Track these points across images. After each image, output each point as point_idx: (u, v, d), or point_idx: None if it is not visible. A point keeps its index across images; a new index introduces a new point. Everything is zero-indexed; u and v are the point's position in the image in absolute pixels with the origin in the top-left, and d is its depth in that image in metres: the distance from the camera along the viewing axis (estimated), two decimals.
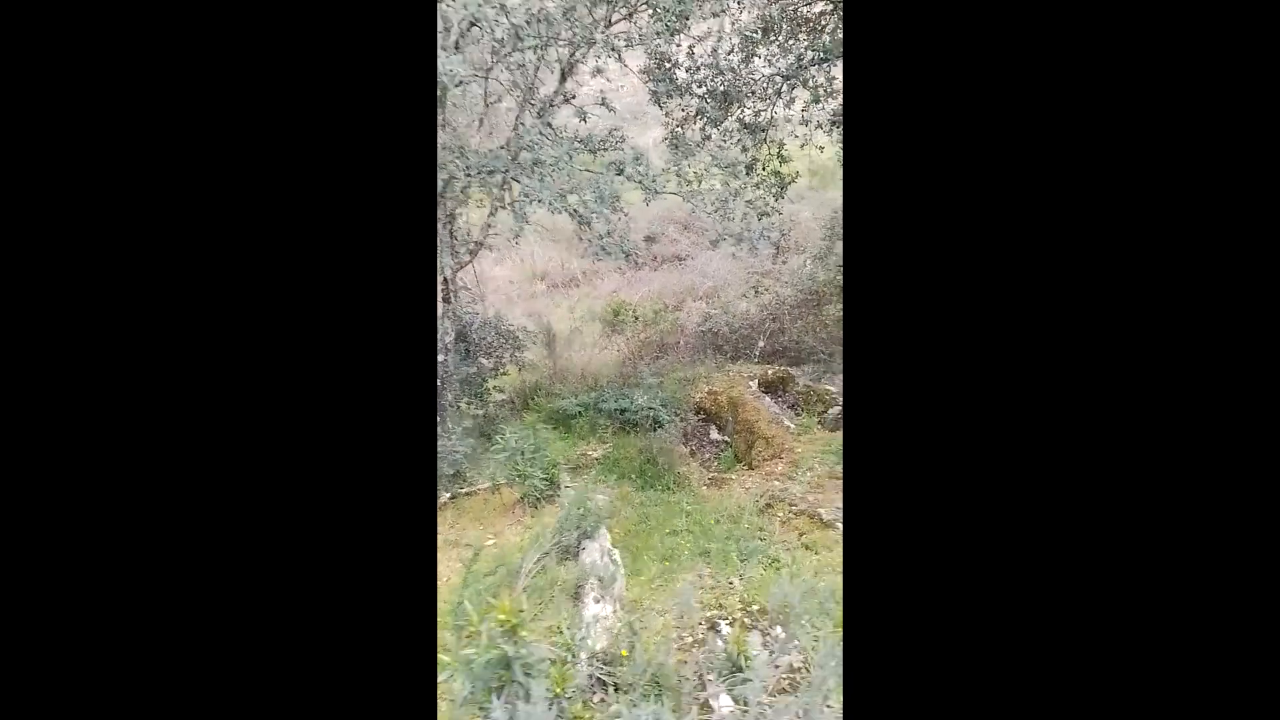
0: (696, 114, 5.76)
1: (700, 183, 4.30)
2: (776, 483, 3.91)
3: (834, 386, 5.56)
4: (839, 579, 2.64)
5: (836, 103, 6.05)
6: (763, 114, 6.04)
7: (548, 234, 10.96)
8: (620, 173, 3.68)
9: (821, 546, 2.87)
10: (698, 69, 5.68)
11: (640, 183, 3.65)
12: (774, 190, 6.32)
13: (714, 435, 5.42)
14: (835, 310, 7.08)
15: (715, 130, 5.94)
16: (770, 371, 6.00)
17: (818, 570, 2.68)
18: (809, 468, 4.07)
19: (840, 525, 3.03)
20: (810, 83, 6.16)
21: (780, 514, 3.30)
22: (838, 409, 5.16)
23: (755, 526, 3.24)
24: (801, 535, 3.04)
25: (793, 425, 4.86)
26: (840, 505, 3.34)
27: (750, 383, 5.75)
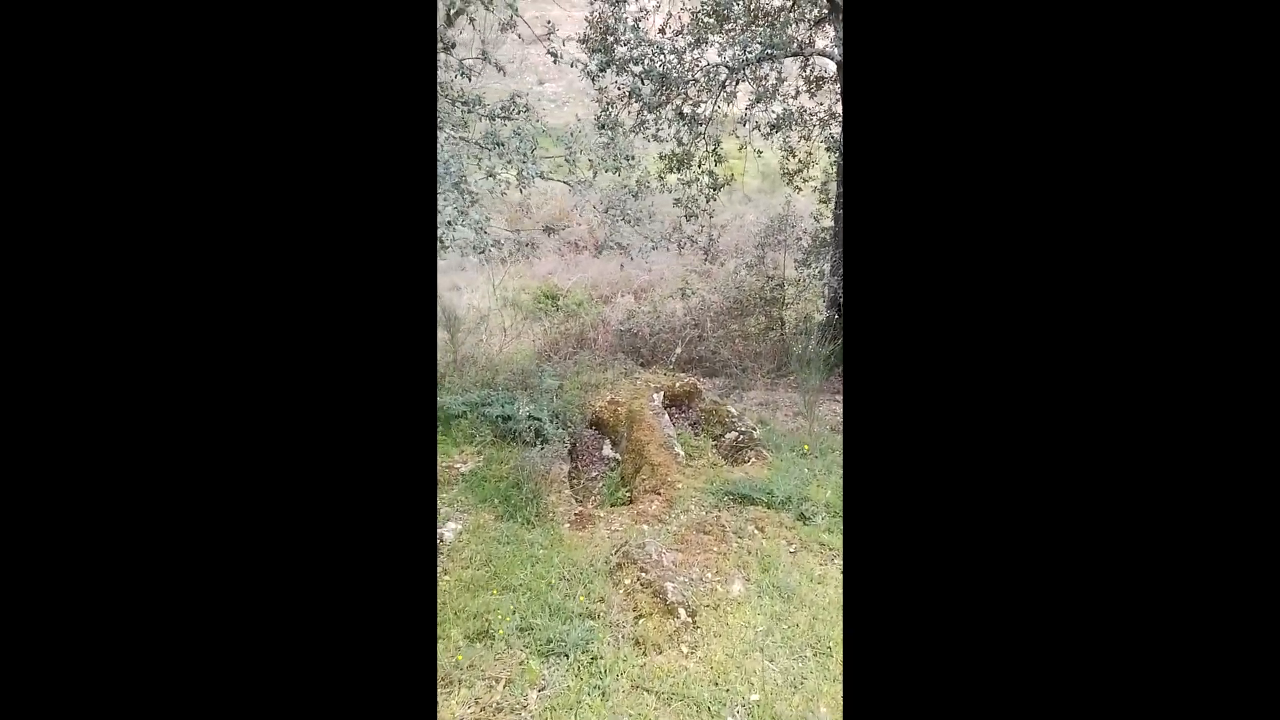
0: (630, 94, 4.94)
1: (597, 173, 3.53)
2: (645, 527, 3.33)
3: (735, 408, 5.01)
4: (656, 709, 2.10)
5: (781, 107, 5.35)
6: (703, 106, 5.28)
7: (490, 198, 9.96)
8: (498, 145, 2.90)
9: (651, 645, 2.29)
10: (639, 44, 4.84)
11: (514, 162, 2.86)
12: (706, 191, 5.63)
13: (606, 451, 4.80)
14: (757, 322, 6.52)
15: (651, 115, 5.16)
16: (679, 383, 5.40)
17: (636, 683, 2.11)
18: (684, 509, 3.51)
19: (682, 612, 2.47)
20: (763, 81, 5.42)
21: (627, 580, 2.71)
22: (734, 434, 4.62)
23: (596, 597, 2.65)
24: (638, 619, 2.46)
25: (682, 452, 4.28)
26: (694, 576, 2.78)
27: (655, 395, 5.14)
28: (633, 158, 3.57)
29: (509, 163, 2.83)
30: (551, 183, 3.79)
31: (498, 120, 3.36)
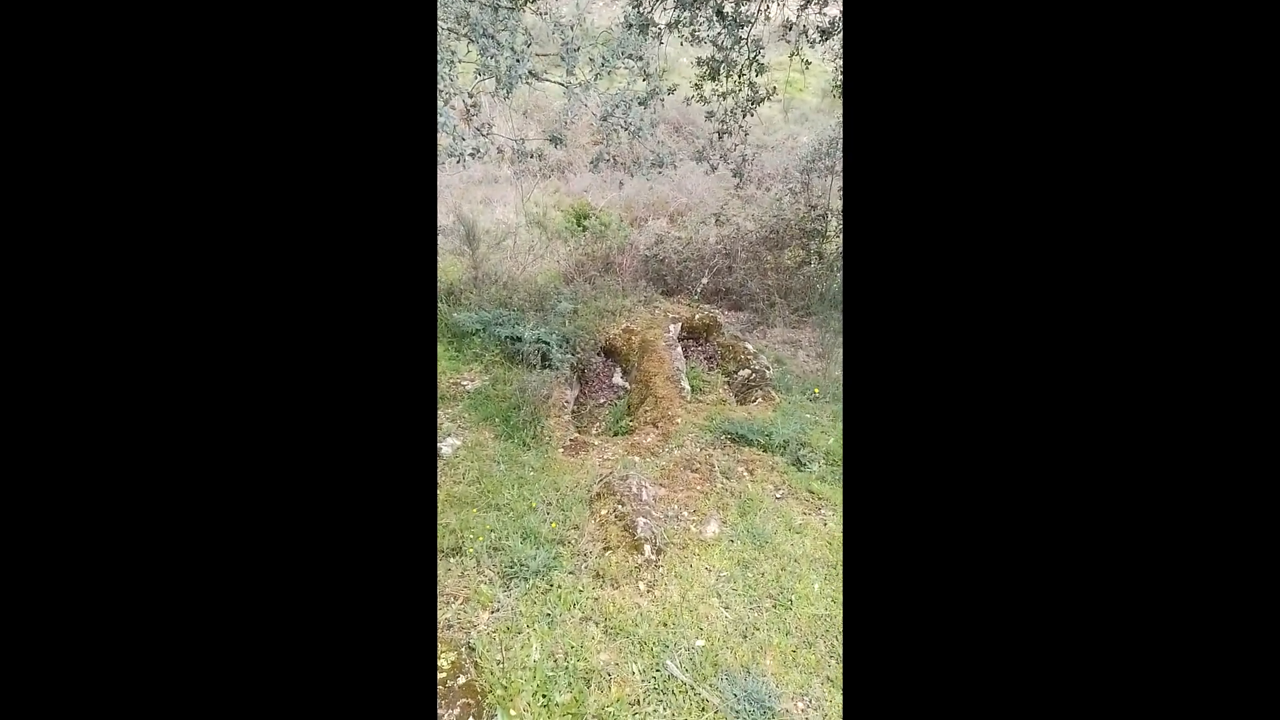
0: None
1: (599, 77, 3.12)
2: (635, 459, 3.27)
3: (755, 345, 4.75)
4: (599, 643, 2.08)
5: (835, 10, 4.61)
6: (746, 5, 4.61)
7: (528, 104, 9.41)
8: (485, 35, 2.56)
9: (610, 579, 2.27)
10: None
11: (499, 60, 2.52)
12: (744, 105, 5.05)
13: (617, 379, 4.72)
14: (793, 254, 6.06)
15: (686, 14, 4.56)
16: (699, 315, 5.16)
17: (586, 615, 2.09)
18: (678, 445, 3.41)
19: (647, 548, 2.42)
20: None
21: (603, 511, 2.68)
22: (747, 372, 4.41)
23: (571, 524, 2.63)
24: (605, 551, 2.43)
25: (688, 386, 4.14)
26: (670, 513, 2.71)
27: (672, 326, 4.94)
28: (641, 58, 3.12)
29: (492, 59, 2.49)
30: (589, 91, 3.42)
31: (502, 10, 2.98)
